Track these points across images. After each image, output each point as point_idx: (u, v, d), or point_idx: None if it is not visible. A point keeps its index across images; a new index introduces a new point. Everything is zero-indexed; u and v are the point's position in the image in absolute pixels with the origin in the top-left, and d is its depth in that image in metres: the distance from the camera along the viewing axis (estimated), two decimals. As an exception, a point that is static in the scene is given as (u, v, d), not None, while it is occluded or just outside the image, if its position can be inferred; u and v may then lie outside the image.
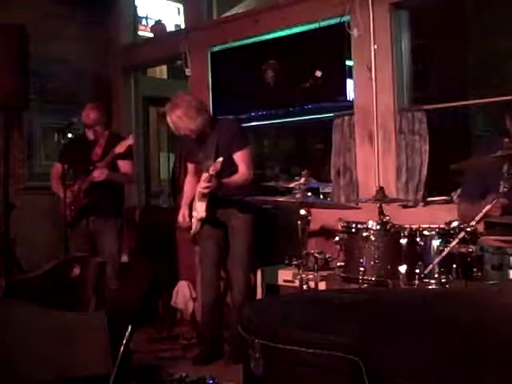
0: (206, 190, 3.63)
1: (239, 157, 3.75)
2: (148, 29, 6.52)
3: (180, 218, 3.97)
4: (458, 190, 4.02)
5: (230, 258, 3.92)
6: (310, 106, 4.76)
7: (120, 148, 4.03)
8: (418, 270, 2.76)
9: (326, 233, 4.25)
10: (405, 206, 4.06)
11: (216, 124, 3.86)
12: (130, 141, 4.09)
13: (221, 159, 3.56)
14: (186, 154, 4.26)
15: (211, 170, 3.56)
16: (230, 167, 3.73)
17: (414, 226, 2.89)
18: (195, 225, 3.84)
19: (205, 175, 3.64)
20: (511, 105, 3.22)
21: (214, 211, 3.82)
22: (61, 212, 4.28)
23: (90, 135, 4.36)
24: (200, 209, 3.75)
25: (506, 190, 2.56)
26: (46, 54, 5.24)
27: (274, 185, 4.39)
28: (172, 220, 5.05)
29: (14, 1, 5.03)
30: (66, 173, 4.24)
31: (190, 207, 3.95)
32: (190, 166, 4.11)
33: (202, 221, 3.80)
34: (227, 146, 3.74)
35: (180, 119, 3.72)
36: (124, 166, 4.25)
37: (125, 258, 4.75)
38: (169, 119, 3.79)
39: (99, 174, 4.06)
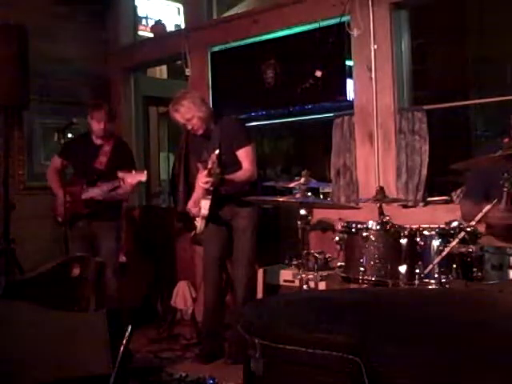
0: (207, 185, 3.63)
1: (242, 154, 3.75)
2: (148, 29, 6.52)
3: (191, 204, 3.95)
4: (458, 190, 4.02)
5: (234, 257, 3.92)
6: (309, 106, 4.76)
7: (131, 180, 3.98)
8: (418, 270, 2.76)
9: (326, 233, 4.25)
10: (405, 206, 4.06)
11: (218, 120, 3.87)
12: (143, 178, 4.00)
13: (217, 152, 3.58)
14: (192, 153, 4.25)
15: (210, 164, 3.57)
16: (233, 165, 3.73)
17: (414, 226, 2.88)
18: (200, 223, 3.83)
19: (205, 171, 3.65)
20: None
21: (218, 210, 3.83)
22: (55, 210, 4.28)
23: (96, 139, 4.35)
24: (204, 207, 3.75)
25: (506, 189, 2.56)
26: (46, 53, 5.24)
27: (274, 185, 4.40)
28: (172, 220, 5.07)
29: (14, 1, 5.03)
30: (65, 169, 4.24)
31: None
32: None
33: (206, 219, 3.79)
34: (230, 143, 3.75)
35: (188, 109, 3.75)
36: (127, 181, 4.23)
37: (123, 259, 4.74)
38: (177, 114, 3.78)
39: (97, 195, 4.10)
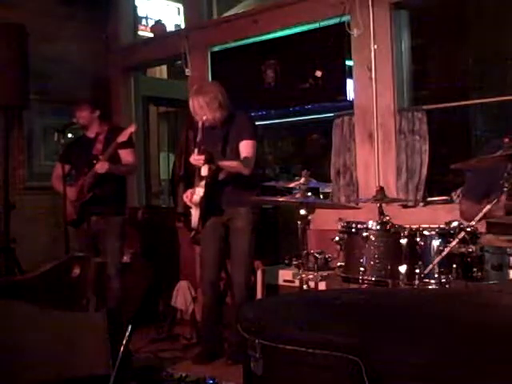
0: (200, 162, 3.64)
1: (243, 145, 3.75)
2: (148, 29, 6.52)
3: (184, 198, 3.94)
4: (458, 190, 4.02)
5: (232, 258, 3.92)
6: (309, 106, 4.76)
7: (123, 137, 4.03)
8: (417, 270, 2.75)
9: (326, 233, 4.24)
10: (405, 206, 4.06)
11: (231, 119, 3.86)
12: (132, 128, 4.09)
13: (205, 117, 3.64)
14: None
15: (198, 137, 3.61)
16: (237, 157, 3.74)
17: (414, 226, 2.88)
18: (194, 214, 3.82)
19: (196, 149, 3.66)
20: None
21: (215, 203, 3.82)
22: (64, 211, 4.28)
23: (90, 133, 4.36)
24: (198, 193, 3.75)
25: (506, 189, 2.56)
26: (46, 54, 5.23)
27: (274, 185, 4.39)
28: (172, 220, 5.07)
29: (14, 1, 5.03)
30: (68, 173, 4.24)
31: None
32: None
33: (201, 209, 3.77)
34: (236, 136, 3.77)
35: (200, 107, 3.74)
36: (125, 155, 4.25)
37: (125, 259, 4.74)
38: (190, 102, 3.80)
39: (100, 167, 4.05)
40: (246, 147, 3.75)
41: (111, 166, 4.10)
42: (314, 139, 6.26)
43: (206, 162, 3.64)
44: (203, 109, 3.73)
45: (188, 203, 3.85)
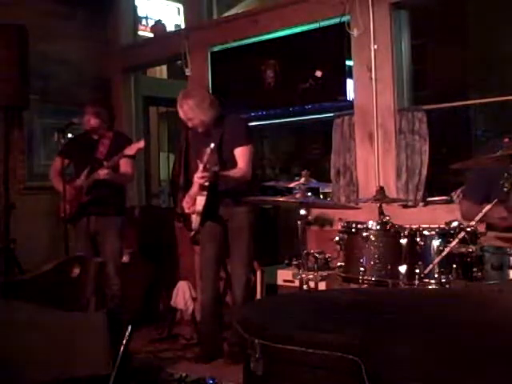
0: (202, 180, 3.61)
1: (239, 153, 3.73)
2: (148, 29, 6.53)
3: (184, 204, 3.93)
4: (458, 190, 4.03)
5: (231, 257, 3.91)
6: (309, 106, 4.76)
7: (130, 150, 3.99)
8: (417, 270, 2.75)
9: (326, 233, 4.25)
10: (405, 206, 4.06)
11: (223, 120, 3.84)
12: (140, 144, 4.04)
13: (212, 145, 3.54)
14: (192, 151, 4.22)
15: (205, 158, 3.55)
16: (232, 163, 3.72)
17: (414, 226, 2.88)
18: (195, 220, 3.82)
19: (201, 166, 3.62)
20: None
21: (215, 208, 3.81)
22: (60, 208, 4.28)
23: (94, 135, 4.36)
24: (199, 203, 3.73)
25: (506, 189, 2.56)
26: (46, 53, 5.24)
27: (274, 185, 4.39)
28: (172, 220, 5.07)
29: (14, 1, 5.03)
30: (66, 168, 4.24)
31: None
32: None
33: (202, 216, 3.77)
34: (230, 141, 3.74)
35: (191, 109, 3.70)
36: (125, 165, 4.24)
37: (125, 259, 4.74)
38: (180, 109, 3.75)
39: (103, 174, 4.05)
40: (241, 155, 3.73)
41: (112, 175, 4.10)
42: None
43: (210, 180, 3.62)
44: (194, 111, 3.70)
45: (187, 211, 3.84)
